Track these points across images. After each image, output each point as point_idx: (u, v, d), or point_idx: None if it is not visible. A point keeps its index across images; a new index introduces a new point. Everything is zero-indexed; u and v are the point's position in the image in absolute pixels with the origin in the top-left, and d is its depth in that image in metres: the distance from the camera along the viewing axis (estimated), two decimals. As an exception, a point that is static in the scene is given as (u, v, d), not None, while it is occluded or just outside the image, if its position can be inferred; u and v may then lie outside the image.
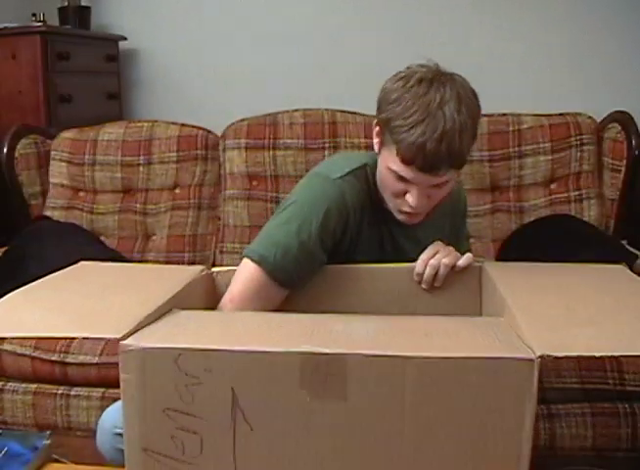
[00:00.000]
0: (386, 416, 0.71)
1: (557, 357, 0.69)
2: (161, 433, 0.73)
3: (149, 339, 0.74)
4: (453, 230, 1.38)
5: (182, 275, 1.04)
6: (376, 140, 1.20)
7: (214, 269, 1.18)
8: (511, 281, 1.00)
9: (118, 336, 0.73)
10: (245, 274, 1.14)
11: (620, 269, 1.09)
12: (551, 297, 0.93)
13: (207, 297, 1.12)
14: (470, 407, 0.70)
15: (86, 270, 1.10)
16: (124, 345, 0.72)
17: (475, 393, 0.70)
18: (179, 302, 0.93)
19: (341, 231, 1.20)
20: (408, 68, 1.15)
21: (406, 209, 1.17)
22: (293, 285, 1.15)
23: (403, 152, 1.09)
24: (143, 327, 0.78)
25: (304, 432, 0.72)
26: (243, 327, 0.82)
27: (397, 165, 1.12)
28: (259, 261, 1.13)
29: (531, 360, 0.69)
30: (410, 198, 1.14)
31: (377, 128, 1.19)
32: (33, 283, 0.98)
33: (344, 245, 1.22)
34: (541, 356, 0.69)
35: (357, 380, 0.70)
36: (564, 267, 1.09)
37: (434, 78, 1.10)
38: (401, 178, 1.13)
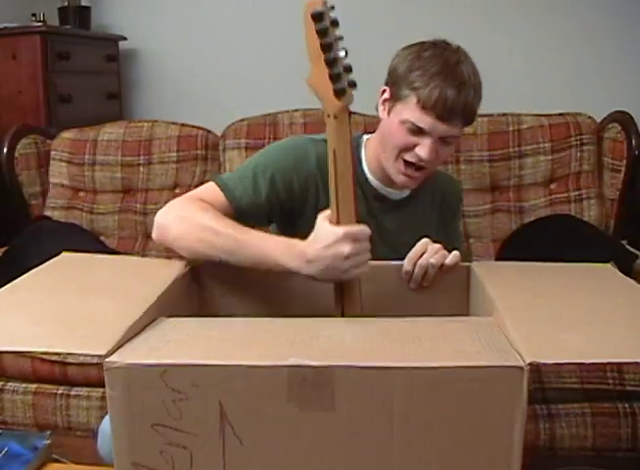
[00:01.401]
0: (375, 426, 0.70)
1: (546, 364, 0.69)
2: (150, 448, 0.73)
3: (134, 355, 0.73)
4: (441, 221, 1.38)
5: (166, 272, 1.02)
6: (381, 107, 1.25)
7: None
8: (499, 282, 0.99)
9: (103, 352, 0.72)
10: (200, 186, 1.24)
11: (608, 269, 1.09)
12: (539, 299, 0.93)
13: (193, 294, 1.11)
14: (459, 416, 0.70)
15: (68, 265, 1.08)
16: (109, 362, 0.71)
17: (464, 401, 0.69)
18: (164, 303, 0.92)
19: (299, 189, 1.23)
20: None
21: (412, 160, 1.19)
22: (230, 202, 1.18)
23: (425, 98, 1.14)
24: (128, 340, 0.77)
25: (294, 444, 0.72)
26: (228, 337, 0.80)
27: (415, 114, 1.16)
28: (216, 176, 1.24)
29: (521, 368, 0.68)
30: (422, 150, 1.17)
31: (384, 95, 1.24)
32: (15, 281, 0.96)
33: (309, 212, 1.20)
34: (531, 364, 0.68)
35: (345, 391, 0.69)
36: (551, 268, 1.08)
37: (447, 46, 1.20)
38: (415, 130, 1.17)
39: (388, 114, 1.23)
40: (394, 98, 1.21)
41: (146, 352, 0.75)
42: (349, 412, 0.70)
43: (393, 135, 1.20)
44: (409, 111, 1.16)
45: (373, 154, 1.30)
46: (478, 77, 1.18)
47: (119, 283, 0.99)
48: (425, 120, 1.15)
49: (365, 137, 1.35)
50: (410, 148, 1.19)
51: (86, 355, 0.77)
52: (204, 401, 0.71)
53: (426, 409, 0.70)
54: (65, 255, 1.12)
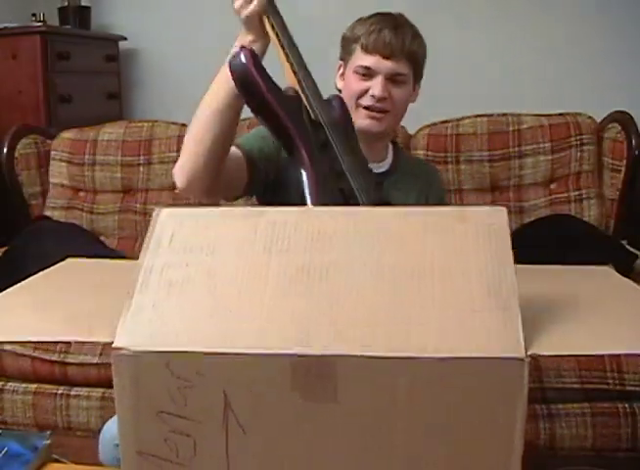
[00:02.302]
0: (377, 417, 0.70)
1: (547, 356, 0.69)
2: (155, 436, 0.73)
3: (140, 341, 0.72)
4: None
5: None
6: (339, 79, 1.39)
7: None
8: None
9: (111, 339, 0.72)
10: None
11: (607, 271, 1.10)
12: (538, 298, 0.93)
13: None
14: (461, 407, 0.70)
15: (74, 268, 1.08)
16: (116, 349, 0.71)
17: (465, 393, 0.69)
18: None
19: (277, 158, 1.30)
20: None
21: (368, 103, 1.31)
22: (242, 150, 1.32)
23: (366, 43, 1.30)
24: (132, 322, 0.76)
25: (297, 434, 0.72)
26: (228, 293, 0.76)
27: (362, 58, 1.31)
28: None
29: (521, 360, 0.68)
30: (374, 89, 1.30)
31: (340, 70, 1.39)
32: (22, 283, 0.97)
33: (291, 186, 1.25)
34: (531, 356, 0.69)
35: (347, 381, 0.69)
36: (550, 270, 1.08)
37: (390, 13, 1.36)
38: (365, 74, 1.31)
39: (344, 76, 1.37)
40: (346, 58, 1.36)
41: (152, 337, 0.73)
42: (352, 402, 0.70)
43: (349, 86, 1.34)
44: (357, 59, 1.32)
45: None
46: (416, 29, 1.34)
47: (127, 280, 1.00)
48: (369, 60, 1.30)
49: None
50: (365, 92, 1.31)
51: (93, 343, 0.77)
52: (208, 390, 0.71)
53: (428, 400, 0.70)
54: (70, 260, 1.13)
